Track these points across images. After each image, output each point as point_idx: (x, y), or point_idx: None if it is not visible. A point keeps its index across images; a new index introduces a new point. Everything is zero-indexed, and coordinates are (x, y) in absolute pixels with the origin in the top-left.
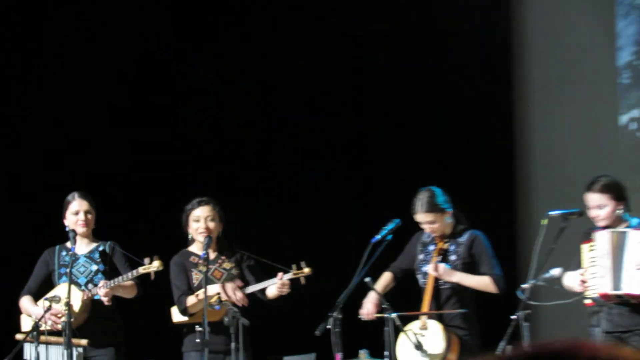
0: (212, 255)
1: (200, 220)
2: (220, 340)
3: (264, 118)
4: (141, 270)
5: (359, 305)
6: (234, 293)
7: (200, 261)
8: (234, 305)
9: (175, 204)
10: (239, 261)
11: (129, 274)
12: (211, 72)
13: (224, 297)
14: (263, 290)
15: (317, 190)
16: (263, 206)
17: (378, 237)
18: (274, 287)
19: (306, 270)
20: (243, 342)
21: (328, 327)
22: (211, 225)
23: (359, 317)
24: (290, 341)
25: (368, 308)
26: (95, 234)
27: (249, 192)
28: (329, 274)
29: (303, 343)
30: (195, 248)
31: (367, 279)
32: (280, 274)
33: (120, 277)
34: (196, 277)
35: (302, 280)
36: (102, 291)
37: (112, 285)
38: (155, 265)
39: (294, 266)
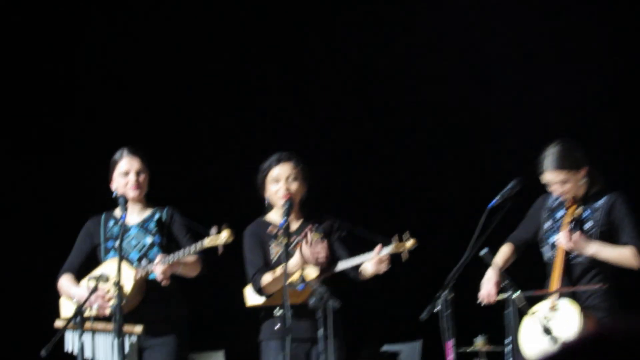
0: (295, 224)
1: (279, 181)
2: (305, 326)
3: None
4: (207, 242)
5: (473, 283)
6: (314, 248)
7: (280, 231)
8: (323, 284)
9: (250, 162)
10: (327, 231)
11: (192, 247)
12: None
13: (304, 269)
14: (357, 268)
15: (419, 148)
16: (355, 166)
17: (495, 201)
18: (370, 263)
19: (410, 242)
20: (333, 328)
21: (436, 310)
22: (293, 186)
23: (478, 301)
24: (391, 327)
25: (488, 289)
26: (150, 200)
27: (339, 151)
28: (437, 248)
29: (406, 329)
30: (274, 216)
31: (484, 251)
32: (378, 247)
33: (181, 251)
34: (275, 250)
35: (405, 255)
36: (158, 268)
37: (172, 261)
38: (224, 236)
39: (394, 238)
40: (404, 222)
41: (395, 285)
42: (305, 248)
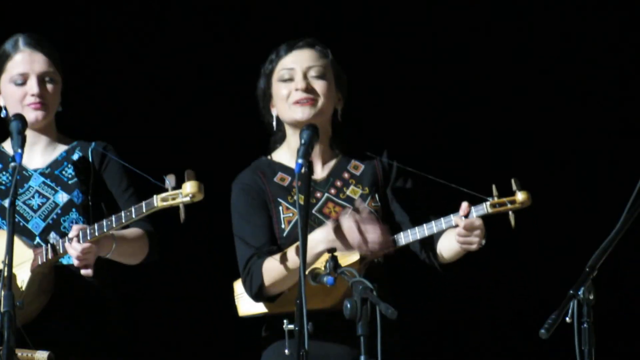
0: (322, 168)
1: (295, 76)
2: (337, 350)
3: None
4: (159, 201)
5: (627, 277)
6: (363, 224)
7: (295, 183)
8: (369, 274)
9: (239, 63)
10: (379, 181)
11: (134, 210)
12: None
13: (343, 256)
14: (429, 244)
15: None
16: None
17: None
18: (451, 235)
19: (521, 196)
20: (385, 351)
21: (568, 319)
22: (320, 86)
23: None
24: (486, 348)
25: None
26: (65, 130)
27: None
28: (564, 216)
29: (511, 350)
30: (286, 153)
31: None
32: (465, 206)
33: (115, 217)
34: (287, 216)
35: (513, 220)
36: (74, 247)
37: (99, 234)
38: (189, 190)
39: (493, 189)
40: (500, 175)
41: (492, 278)
42: (349, 224)
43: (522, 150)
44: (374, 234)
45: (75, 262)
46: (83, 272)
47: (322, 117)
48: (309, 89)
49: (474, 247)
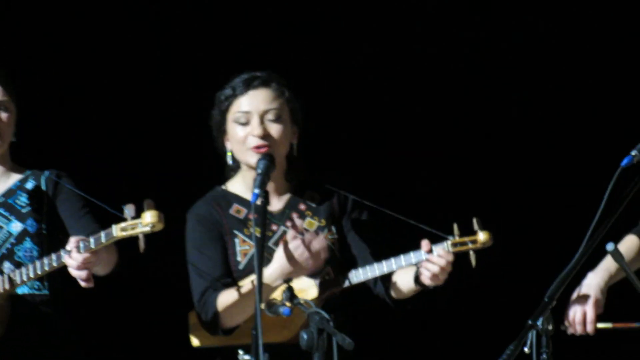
0: (278, 201)
1: (250, 120)
2: None
3: None
4: (119, 231)
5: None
6: (310, 245)
7: (252, 215)
8: (326, 306)
9: (195, 93)
10: (335, 213)
11: (91, 240)
12: None
13: (301, 289)
14: (387, 281)
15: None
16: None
17: (630, 158)
18: (408, 271)
19: (482, 236)
20: None
21: (527, 349)
22: (275, 130)
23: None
24: None
25: (584, 310)
26: (20, 158)
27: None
28: (523, 245)
29: None
30: (240, 185)
31: (611, 247)
32: (425, 244)
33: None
34: (243, 248)
35: (473, 260)
36: (76, 258)
37: (96, 246)
38: (149, 220)
39: (455, 228)
40: (463, 210)
41: (455, 310)
42: (295, 244)
43: (484, 187)
44: (317, 242)
45: (75, 273)
46: (84, 284)
47: (278, 158)
48: (265, 135)
49: (438, 281)
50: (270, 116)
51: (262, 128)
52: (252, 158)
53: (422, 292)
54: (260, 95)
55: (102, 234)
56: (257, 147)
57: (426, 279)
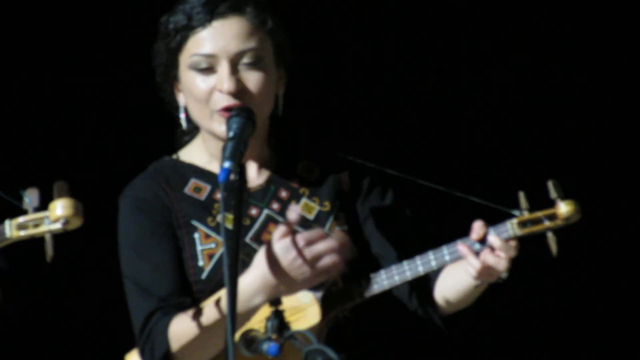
0: (259, 175)
1: (217, 67)
2: None
3: None
4: (14, 229)
5: None
6: (310, 245)
7: (220, 195)
8: (338, 332)
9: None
10: (345, 193)
11: None
12: None
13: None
14: (424, 286)
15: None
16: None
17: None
18: (458, 268)
19: (564, 208)
20: None
21: None
22: (254, 80)
23: None
24: None
25: None
26: None
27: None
28: (623, 220)
29: None
30: (201, 152)
31: None
32: (479, 226)
33: None
34: (207, 247)
35: (554, 245)
36: None
37: None
38: (60, 212)
39: (521, 199)
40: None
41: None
42: (283, 246)
43: (560, 143)
44: (326, 247)
45: None
46: None
47: (259, 122)
48: (239, 90)
49: (501, 270)
50: (246, 59)
51: (234, 80)
52: (220, 125)
53: (491, 291)
54: (231, 28)
55: None
56: (228, 110)
57: (471, 278)
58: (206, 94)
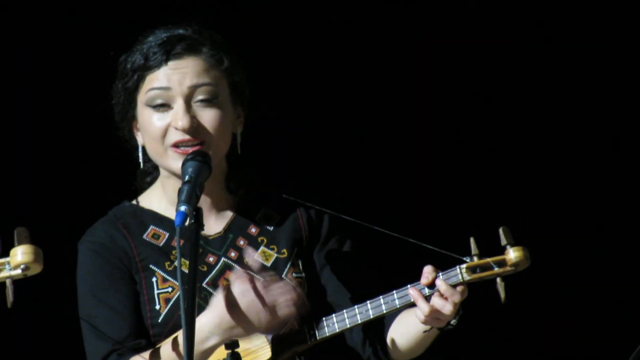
0: (216, 222)
1: (172, 103)
2: None
3: None
4: None
5: None
6: (268, 289)
7: (176, 241)
8: None
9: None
10: (302, 240)
11: None
12: None
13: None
14: (377, 332)
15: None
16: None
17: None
18: (410, 315)
19: (513, 255)
20: None
21: None
22: (209, 117)
23: None
24: None
25: None
26: None
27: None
28: (569, 264)
29: None
30: (159, 198)
31: None
32: (428, 271)
33: None
34: (164, 291)
35: (502, 291)
36: None
37: None
38: (20, 258)
39: (472, 245)
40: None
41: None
42: (242, 290)
43: (512, 191)
44: (282, 294)
45: None
46: None
47: (215, 160)
48: (193, 127)
49: (447, 314)
50: (201, 96)
51: (188, 117)
52: (175, 162)
53: (441, 338)
54: (187, 66)
55: None
56: (182, 145)
57: (420, 324)
58: (161, 131)
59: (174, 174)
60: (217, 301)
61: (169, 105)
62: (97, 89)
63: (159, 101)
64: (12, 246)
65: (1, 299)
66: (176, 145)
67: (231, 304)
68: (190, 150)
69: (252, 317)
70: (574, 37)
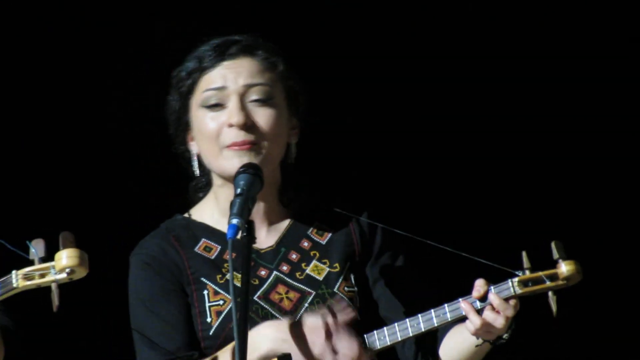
0: (267, 232)
1: (227, 102)
2: None
3: None
4: (20, 280)
5: None
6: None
7: (228, 255)
8: None
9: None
10: (356, 255)
11: None
12: None
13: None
14: (429, 347)
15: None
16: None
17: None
18: (462, 329)
19: (566, 268)
20: None
21: None
22: (264, 116)
23: None
24: None
25: None
26: None
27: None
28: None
29: None
30: (212, 210)
31: None
32: (480, 284)
33: None
34: (216, 304)
35: (554, 305)
36: None
37: None
38: (65, 262)
39: (524, 259)
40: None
41: None
42: (315, 320)
43: (566, 203)
44: (348, 347)
45: None
46: None
47: (269, 165)
48: (248, 124)
49: (498, 327)
50: (255, 95)
51: (243, 114)
52: (229, 161)
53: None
54: (241, 65)
55: None
56: (238, 145)
57: (472, 337)
58: (216, 132)
59: (227, 178)
60: (284, 318)
61: (223, 105)
62: (155, 101)
63: (213, 101)
64: (57, 251)
65: (46, 303)
66: (231, 146)
67: (295, 325)
68: (245, 147)
69: (313, 346)
70: None
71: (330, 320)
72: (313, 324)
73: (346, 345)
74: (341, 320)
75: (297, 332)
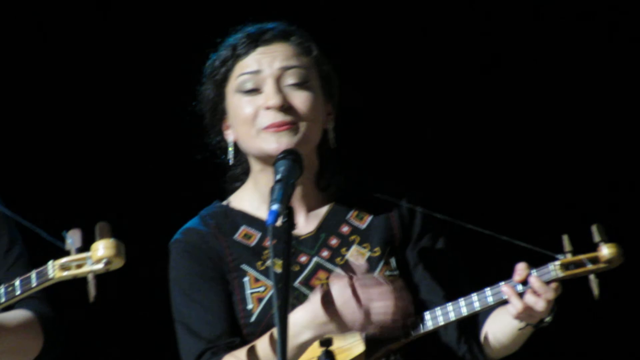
0: (306, 219)
1: (263, 85)
2: None
3: None
4: (57, 270)
5: None
6: (368, 292)
7: (269, 241)
8: None
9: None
10: (396, 239)
11: (16, 283)
12: None
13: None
14: (472, 330)
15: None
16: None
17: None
18: (504, 312)
19: (607, 251)
20: None
21: None
22: (301, 99)
23: None
24: None
25: None
26: None
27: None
28: None
29: None
30: (251, 197)
31: None
32: (522, 268)
33: None
34: (256, 291)
35: (596, 287)
36: None
37: None
38: (102, 253)
39: (565, 242)
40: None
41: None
42: (340, 286)
43: (605, 187)
44: (380, 298)
45: None
46: None
47: (306, 147)
48: (285, 106)
49: (539, 310)
50: (291, 79)
51: (280, 96)
52: (268, 143)
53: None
54: (276, 51)
55: (33, 275)
56: (276, 126)
57: (514, 319)
58: (252, 115)
59: (268, 158)
60: (314, 297)
61: (259, 89)
62: (194, 90)
63: (249, 85)
64: (94, 241)
65: (82, 294)
66: (269, 127)
67: (327, 301)
68: (283, 128)
69: (346, 316)
70: None
71: (356, 282)
72: (339, 291)
73: (379, 299)
74: (362, 275)
75: (329, 306)
